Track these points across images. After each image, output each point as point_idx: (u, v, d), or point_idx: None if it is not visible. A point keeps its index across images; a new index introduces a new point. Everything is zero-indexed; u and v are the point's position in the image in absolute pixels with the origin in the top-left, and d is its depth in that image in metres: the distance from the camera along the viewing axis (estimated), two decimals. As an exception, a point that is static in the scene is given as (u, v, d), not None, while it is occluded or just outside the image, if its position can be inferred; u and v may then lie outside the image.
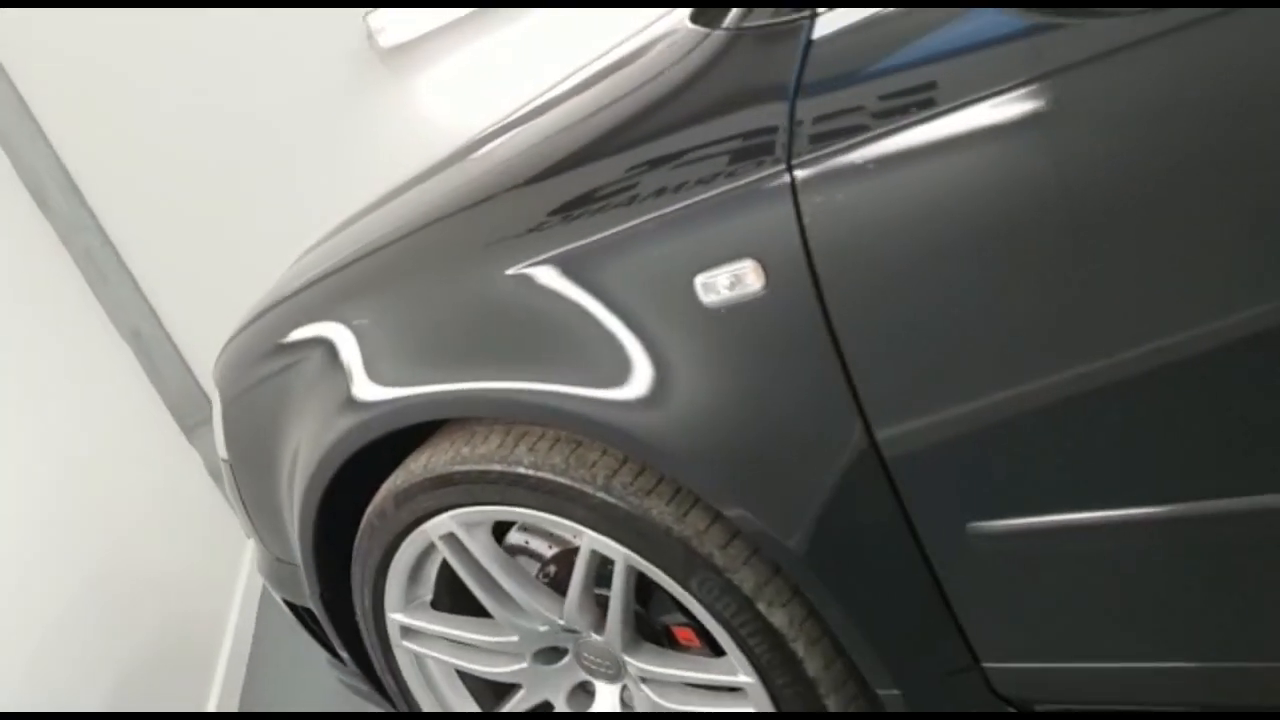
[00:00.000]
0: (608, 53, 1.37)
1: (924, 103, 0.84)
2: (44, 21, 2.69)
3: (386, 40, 2.84)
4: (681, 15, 1.14)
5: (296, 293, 1.40)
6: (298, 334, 1.34)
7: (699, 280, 0.97)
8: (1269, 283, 0.77)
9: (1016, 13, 0.80)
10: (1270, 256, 0.77)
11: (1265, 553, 0.89)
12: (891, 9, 0.89)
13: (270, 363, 1.40)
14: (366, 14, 2.80)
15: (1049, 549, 0.96)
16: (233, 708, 2.26)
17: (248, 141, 2.86)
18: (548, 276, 1.06)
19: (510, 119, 1.43)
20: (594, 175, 1.08)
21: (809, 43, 0.91)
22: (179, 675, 2.17)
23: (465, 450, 1.18)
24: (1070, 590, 0.99)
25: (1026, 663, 1.05)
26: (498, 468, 1.15)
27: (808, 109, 0.90)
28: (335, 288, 1.34)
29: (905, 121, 0.85)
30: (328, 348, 1.29)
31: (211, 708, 2.17)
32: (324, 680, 1.74)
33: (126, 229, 2.87)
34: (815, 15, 0.91)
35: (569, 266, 1.05)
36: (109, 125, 2.78)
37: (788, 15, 0.93)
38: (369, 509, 1.29)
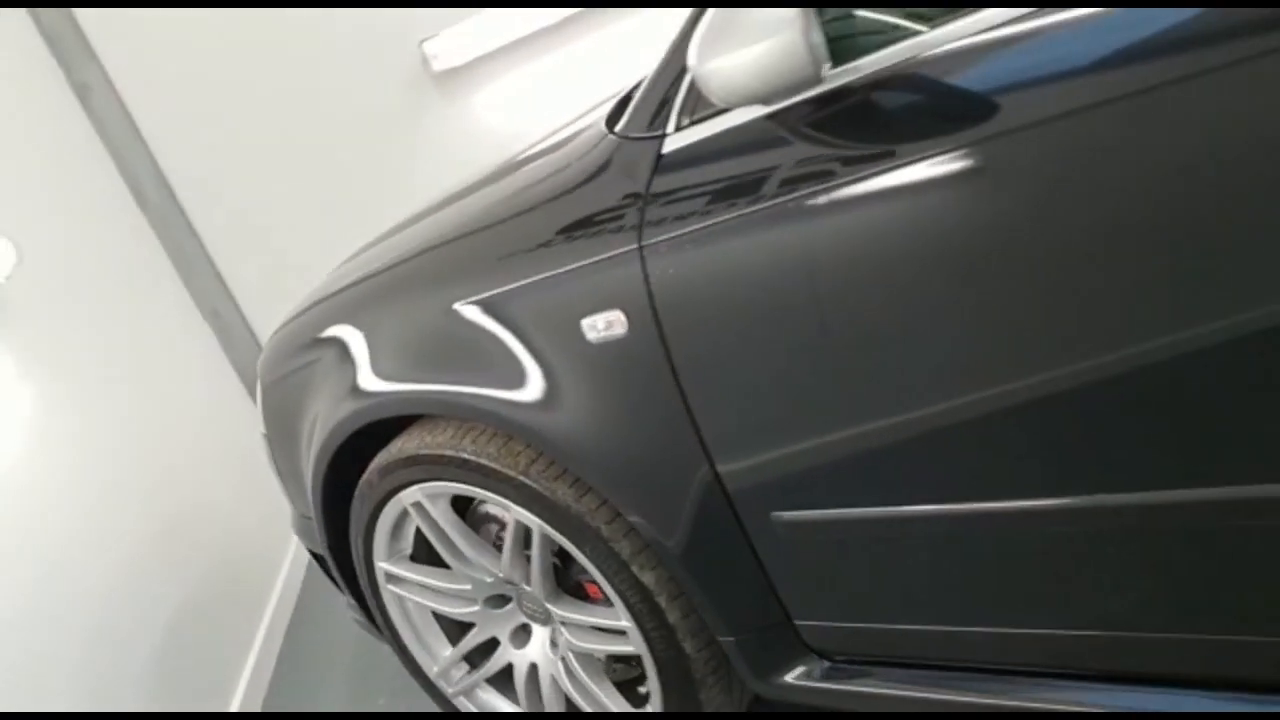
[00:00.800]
0: (563, 125, 1.71)
1: (731, 204, 1.16)
2: (147, 41, 3.13)
3: (439, 65, 3.22)
4: (601, 114, 1.47)
5: (327, 298, 1.78)
6: (324, 333, 1.71)
7: (584, 322, 1.32)
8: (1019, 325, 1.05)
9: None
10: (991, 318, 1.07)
11: (1015, 542, 1.18)
12: (723, 137, 1.20)
13: (303, 355, 1.77)
14: (422, 41, 3.17)
15: (831, 534, 1.29)
16: (277, 643, 2.67)
17: (315, 153, 3.27)
18: (478, 312, 1.42)
19: (489, 172, 1.78)
20: (515, 235, 1.43)
21: (659, 155, 1.25)
22: (235, 608, 2.59)
23: (427, 438, 1.55)
24: (855, 564, 1.32)
25: (827, 621, 1.37)
26: (449, 453, 1.51)
27: (653, 203, 1.24)
28: (355, 297, 1.71)
29: (722, 217, 1.18)
30: (344, 345, 1.66)
31: (259, 641, 2.58)
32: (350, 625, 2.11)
33: (210, 224, 3.31)
34: (665, 135, 1.24)
35: (493, 305, 1.41)
36: (200, 135, 3.22)
37: (649, 132, 1.26)
38: (362, 478, 1.67)
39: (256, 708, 2.40)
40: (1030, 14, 0.94)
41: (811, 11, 1.01)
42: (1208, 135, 0.88)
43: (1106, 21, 0.91)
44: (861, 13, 1.20)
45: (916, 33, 1.03)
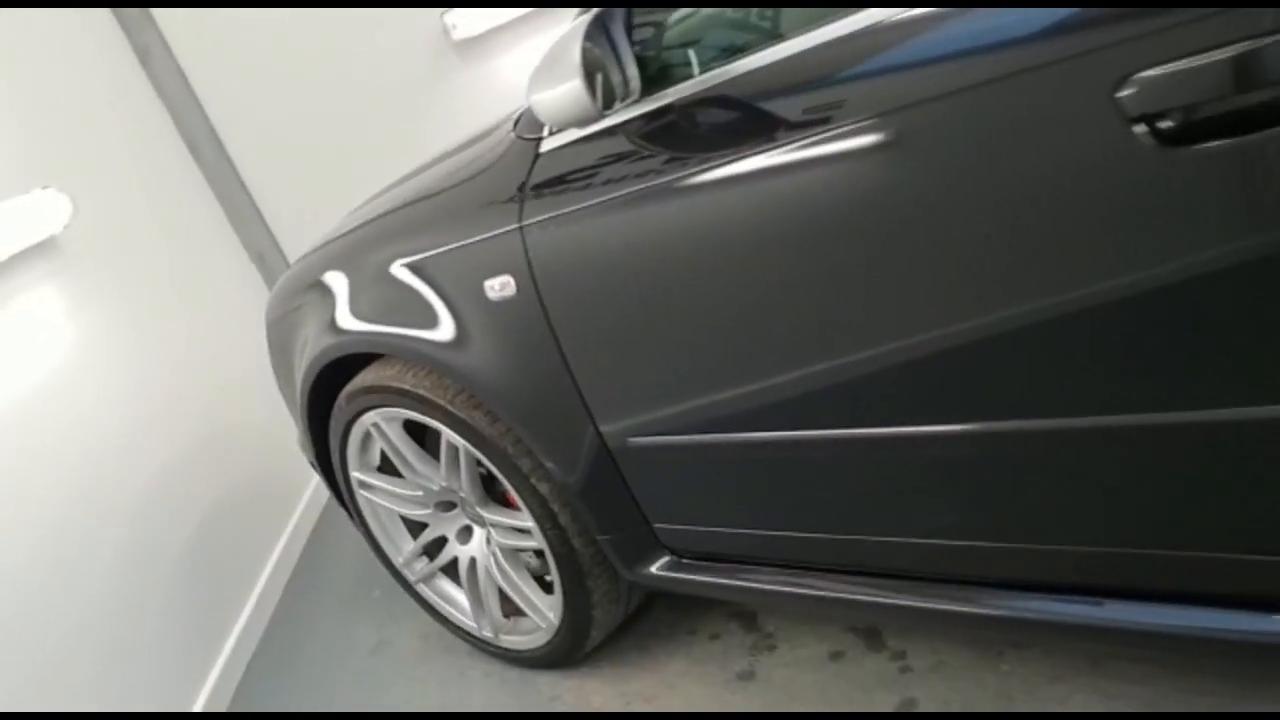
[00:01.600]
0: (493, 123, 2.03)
1: (586, 194, 1.49)
2: (200, 10, 3.52)
3: (459, 35, 3.57)
4: (512, 116, 1.80)
5: (317, 250, 2.16)
6: (311, 279, 2.09)
7: (486, 283, 1.67)
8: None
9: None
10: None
11: (817, 463, 1.47)
12: (581, 142, 1.53)
13: (296, 299, 2.15)
14: (443, 13, 3.52)
15: (674, 455, 1.63)
16: (301, 543, 3.11)
17: (349, 113, 3.64)
18: (412, 269, 1.78)
19: (444, 150, 2.13)
20: (442, 208, 1.78)
21: (537, 154, 1.59)
22: (266, 510, 3.03)
23: (381, 372, 1.92)
24: (693, 479, 1.66)
25: (674, 525, 1.73)
26: (395, 384, 1.89)
27: (532, 194, 1.58)
28: (335, 250, 2.07)
29: (581, 204, 1.51)
30: (324, 290, 2.03)
31: (283, 542, 3.02)
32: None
33: (257, 175, 3.72)
34: (542, 138, 1.58)
35: (423, 265, 1.76)
36: (248, 96, 3.61)
37: (533, 135, 1.60)
38: (337, 401, 2.06)
39: (277, 595, 2.83)
40: (811, 48, 1.21)
41: (619, 55, 1.33)
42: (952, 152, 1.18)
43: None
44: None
45: (726, 61, 1.33)
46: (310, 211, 3.69)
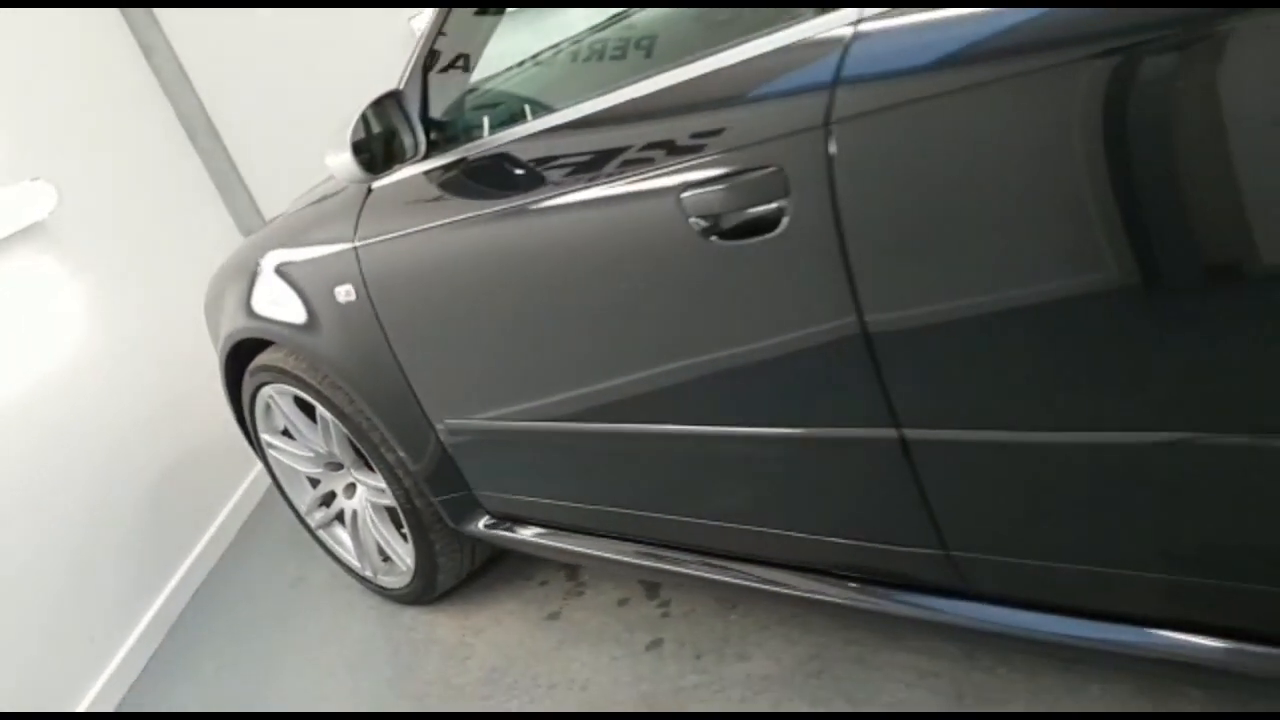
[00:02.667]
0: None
1: (398, 225, 1.87)
2: (198, 12, 3.95)
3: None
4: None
5: (251, 239, 2.56)
6: (234, 269, 2.49)
7: (335, 288, 2.07)
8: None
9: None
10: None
11: (596, 449, 1.82)
12: (396, 183, 1.91)
13: (223, 284, 2.56)
14: (410, 17, 3.91)
15: (478, 435, 2.02)
16: (260, 494, 3.56)
17: (328, 104, 4.04)
18: (289, 270, 2.19)
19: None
20: (308, 221, 2.18)
21: (370, 190, 1.98)
22: (227, 465, 3.48)
23: (273, 355, 2.34)
24: (495, 454, 2.05)
25: (494, 493, 2.12)
26: (282, 366, 2.30)
27: (363, 220, 1.97)
28: (250, 244, 2.49)
29: (395, 232, 1.90)
30: (240, 279, 2.43)
31: (241, 490, 3.48)
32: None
33: (248, 160, 4.15)
34: (375, 177, 1.96)
35: (295, 267, 2.17)
36: (239, 89, 4.04)
37: (368, 174, 1.98)
38: (244, 376, 2.48)
39: (232, 535, 3.29)
40: (567, 122, 1.54)
41: (410, 123, 1.71)
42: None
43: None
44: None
45: (509, 127, 1.68)
46: (295, 192, 4.14)
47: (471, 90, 1.83)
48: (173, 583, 2.99)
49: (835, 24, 1.14)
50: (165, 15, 3.98)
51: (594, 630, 2.10)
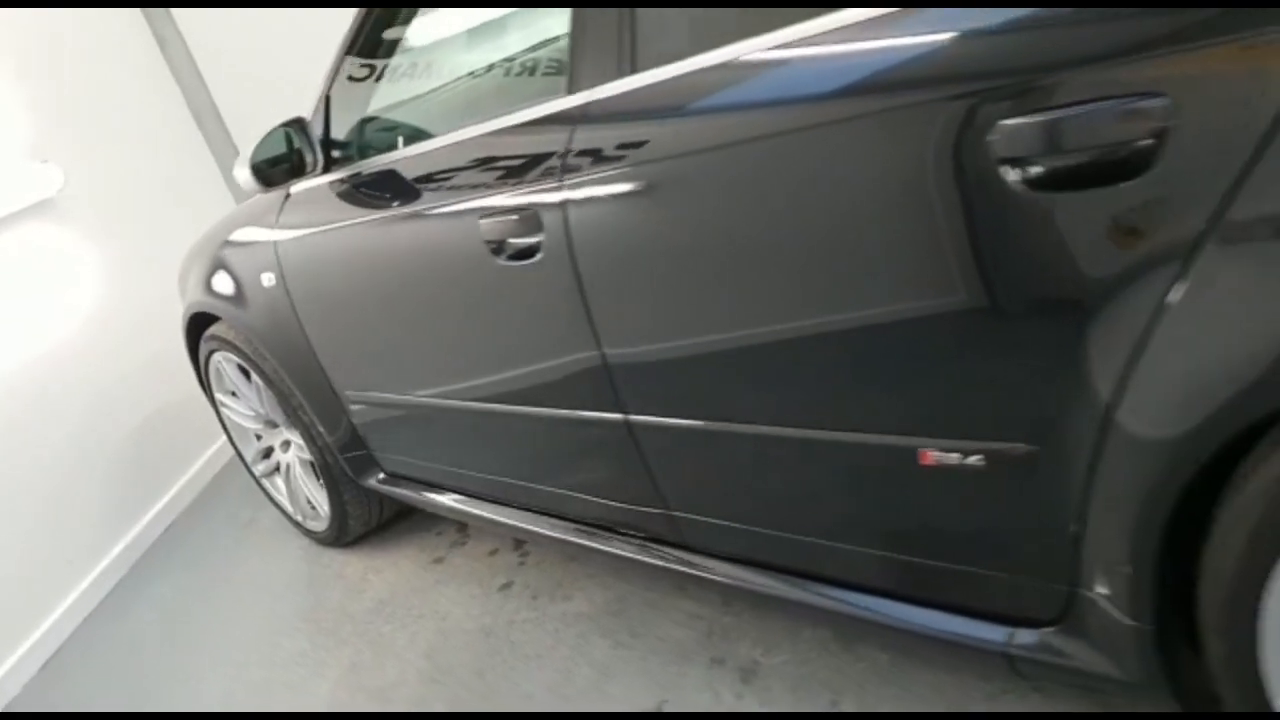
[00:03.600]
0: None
1: (306, 224, 2.28)
2: (209, 10, 4.38)
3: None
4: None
5: (212, 225, 2.98)
6: (197, 250, 2.92)
7: (261, 275, 2.49)
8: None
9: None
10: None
11: (466, 421, 2.17)
12: (306, 190, 2.32)
13: (188, 263, 2.99)
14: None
15: (368, 405, 2.43)
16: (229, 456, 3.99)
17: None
18: (229, 255, 2.61)
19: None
20: (247, 213, 2.59)
21: (288, 194, 2.39)
22: (200, 427, 3.92)
23: (220, 327, 2.76)
24: (385, 422, 2.46)
25: (386, 454, 2.53)
26: (225, 337, 2.73)
27: (281, 219, 2.38)
28: (210, 230, 2.91)
29: (303, 231, 2.31)
30: (198, 259, 2.86)
31: (219, 443, 3.92)
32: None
33: (250, 143, 4.58)
34: (292, 183, 2.37)
35: (227, 253, 2.59)
36: (243, 80, 4.47)
37: (290, 180, 2.38)
38: (200, 343, 2.91)
39: (206, 480, 3.74)
40: (430, 150, 1.94)
41: (312, 144, 2.11)
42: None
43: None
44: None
45: (391, 150, 2.07)
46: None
47: (366, 120, 2.21)
48: (146, 519, 3.44)
49: (571, 102, 1.51)
50: (180, 11, 4.41)
51: (464, 573, 2.51)
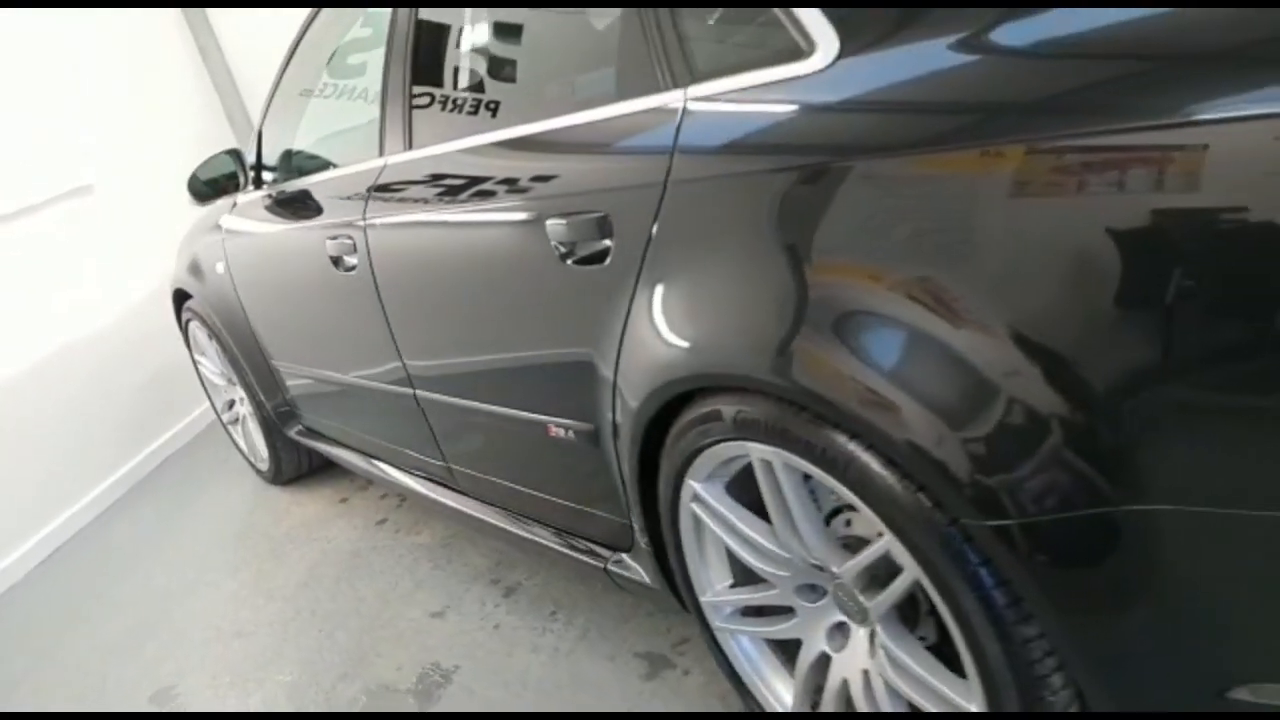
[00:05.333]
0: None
1: (245, 228, 2.97)
2: (245, 23, 5.11)
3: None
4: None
5: (197, 220, 3.71)
6: (187, 237, 3.63)
7: (215, 264, 3.20)
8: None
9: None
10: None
11: (355, 396, 2.82)
12: (247, 203, 3.01)
13: (181, 247, 3.72)
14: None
15: (284, 371, 3.12)
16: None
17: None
18: (194, 244, 3.32)
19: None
20: (213, 218, 3.29)
21: (235, 202, 3.08)
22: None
23: (193, 302, 3.48)
24: (299, 389, 3.15)
25: (304, 413, 3.21)
26: (198, 310, 3.45)
27: (228, 223, 3.07)
28: (199, 221, 3.63)
29: (243, 230, 3.01)
30: (188, 244, 3.58)
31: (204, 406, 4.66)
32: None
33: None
34: (238, 192, 3.06)
35: (197, 244, 3.30)
36: (261, 62, 5.20)
37: (240, 190, 3.07)
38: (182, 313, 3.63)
39: (202, 426, 4.49)
40: (335, 177, 2.62)
41: (245, 166, 2.80)
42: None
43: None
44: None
45: (309, 175, 2.74)
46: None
47: (288, 152, 2.89)
48: (145, 453, 4.20)
49: (377, 162, 2.15)
50: (218, 23, 5.16)
51: (357, 510, 3.18)
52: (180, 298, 3.56)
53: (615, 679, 2.01)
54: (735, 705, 1.74)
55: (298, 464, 3.47)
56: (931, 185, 1.08)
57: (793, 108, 1.26)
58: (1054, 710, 1.17)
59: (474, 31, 2.04)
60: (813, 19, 1.25)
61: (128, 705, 2.51)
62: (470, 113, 1.94)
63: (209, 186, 2.81)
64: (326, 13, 2.58)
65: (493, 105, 1.89)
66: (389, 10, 2.17)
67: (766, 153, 1.30)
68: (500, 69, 1.96)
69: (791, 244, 1.24)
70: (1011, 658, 1.16)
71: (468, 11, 2.06)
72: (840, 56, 1.21)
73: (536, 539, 2.11)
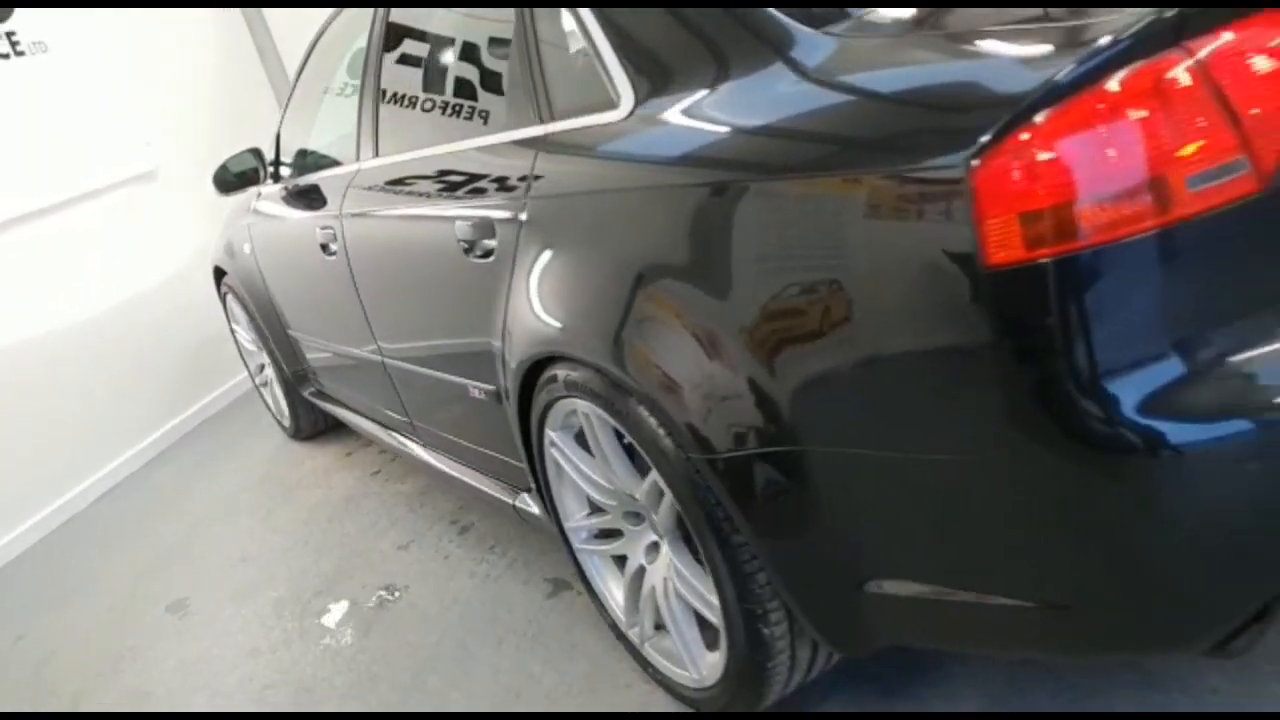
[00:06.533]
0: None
1: (267, 216, 3.48)
2: (297, 23, 5.64)
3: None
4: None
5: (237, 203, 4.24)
6: (226, 221, 4.15)
7: (242, 245, 3.71)
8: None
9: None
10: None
11: (352, 365, 3.31)
12: (267, 193, 3.51)
13: (222, 227, 4.24)
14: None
15: (300, 342, 3.62)
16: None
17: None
18: (229, 227, 3.84)
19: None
20: (244, 206, 3.81)
21: (260, 193, 3.59)
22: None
23: (227, 278, 4.01)
24: (312, 355, 3.65)
25: (316, 376, 3.72)
26: (230, 284, 3.97)
27: (254, 209, 3.58)
28: (234, 209, 4.15)
29: (268, 215, 3.51)
30: (228, 227, 4.11)
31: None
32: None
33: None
34: (263, 183, 3.56)
35: (231, 227, 3.82)
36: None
37: (265, 180, 3.57)
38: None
39: (246, 387, 5.04)
40: (338, 174, 3.11)
41: (264, 162, 3.30)
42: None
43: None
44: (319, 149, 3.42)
45: (331, 165, 3.23)
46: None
47: (301, 151, 3.37)
48: (192, 409, 4.76)
49: (352, 166, 2.62)
50: (274, 23, 5.70)
51: (359, 463, 3.67)
52: (219, 274, 4.07)
53: (525, 597, 2.45)
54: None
55: (314, 422, 3.97)
56: (690, 214, 1.48)
57: (606, 147, 1.67)
58: (762, 601, 1.58)
59: (417, 63, 2.48)
60: (620, 76, 1.66)
61: (149, 613, 3.02)
62: (413, 129, 2.39)
63: (238, 179, 3.29)
64: (344, 16, 2.99)
65: (428, 124, 2.33)
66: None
67: (587, 182, 1.72)
68: (437, 91, 2.39)
69: (610, 254, 1.65)
70: (729, 559, 1.57)
71: (410, 43, 2.50)
72: (635, 107, 1.62)
73: (469, 481, 2.56)
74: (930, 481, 1.31)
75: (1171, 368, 1.12)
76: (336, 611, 2.67)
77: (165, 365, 4.66)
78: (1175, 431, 1.11)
